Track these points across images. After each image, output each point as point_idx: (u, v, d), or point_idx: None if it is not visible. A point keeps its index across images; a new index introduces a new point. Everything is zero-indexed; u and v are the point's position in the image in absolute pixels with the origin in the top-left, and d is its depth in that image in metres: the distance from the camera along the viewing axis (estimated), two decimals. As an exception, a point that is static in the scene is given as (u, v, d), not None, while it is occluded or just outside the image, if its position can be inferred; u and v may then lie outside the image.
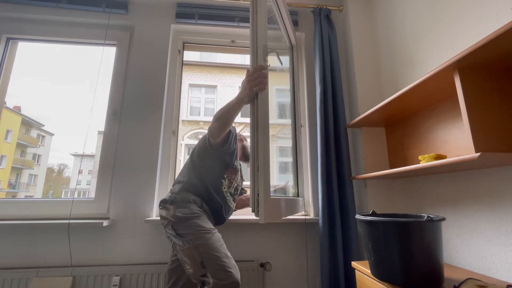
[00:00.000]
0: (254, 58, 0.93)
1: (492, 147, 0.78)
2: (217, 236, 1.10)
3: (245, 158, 1.47)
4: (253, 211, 0.83)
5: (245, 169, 1.57)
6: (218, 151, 1.23)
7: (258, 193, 0.83)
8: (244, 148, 1.46)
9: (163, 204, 1.20)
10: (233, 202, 1.36)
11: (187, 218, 1.11)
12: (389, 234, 0.86)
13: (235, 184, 1.36)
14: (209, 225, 1.13)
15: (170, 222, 1.13)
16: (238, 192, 1.42)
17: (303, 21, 1.91)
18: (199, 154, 1.27)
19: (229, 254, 1.06)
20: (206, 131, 1.28)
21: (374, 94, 1.62)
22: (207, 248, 1.03)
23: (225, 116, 1.09)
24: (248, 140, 1.52)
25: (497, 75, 0.85)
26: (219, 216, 1.28)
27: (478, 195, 0.98)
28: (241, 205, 1.54)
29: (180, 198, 1.19)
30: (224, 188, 1.29)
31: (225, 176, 1.29)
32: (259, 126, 0.87)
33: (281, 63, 1.63)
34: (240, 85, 1.07)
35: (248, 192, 1.59)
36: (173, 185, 1.29)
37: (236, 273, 1.00)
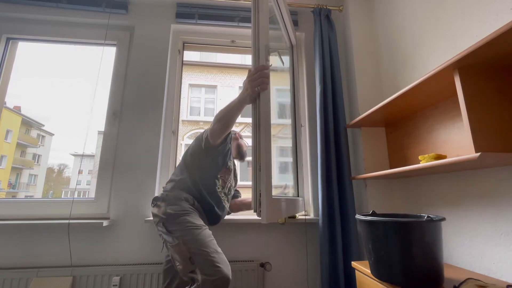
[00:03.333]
0: (255, 58, 0.92)
1: (492, 147, 0.78)
2: (206, 232, 1.09)
3: (240, 156, 1.47)
4: (255, 211, 0.83)
5: (242, 169, 1.56)
6: (214, 151, 1.23)
7: (260, 193, 0.83)
8: (239, 146, 1.45)
9: (155, 201, 1.20)
10: (227, 202, 1.35)
11: (178, 215, 1.11)
12: (389, 234, 0.86)
13: (229, 184, 1.35)
14: (199, 221, 1.13)
15: (161, 220, 1.13)
16: (232, 192, 1.42)
17: (303, 21, 1.91)
18: (193, 154, 1.27)
19: (219, 249, 1.06)
20: (202, 131, 1.28)
21: (374, 94, 1.62)
22: (196, 243, 1.02)
23: (227, 117, 1.09)
24: (244, 138, 1.52)
25: (497, 75, 0.85)
26: (212, 215, 1.27)
27: (478, 195, 0.98)
28: (236, 208, 1.53)
29: (172, 196, 1.19)
30: (218, 188, 1.28)
31: (219, 176, 1.29)
32: (261, 126, 0.87)
33: (283, 63, 1.62)
34: (240, 85, 1.07)
35: (242, 195, 1.59)
36: (166, 184, 1.29)
37: (226, 268, 0.99)
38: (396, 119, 1.40)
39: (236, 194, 1.54)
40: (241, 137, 1.51)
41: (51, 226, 1.46)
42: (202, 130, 1.33)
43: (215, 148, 1.22)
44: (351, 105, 1.71)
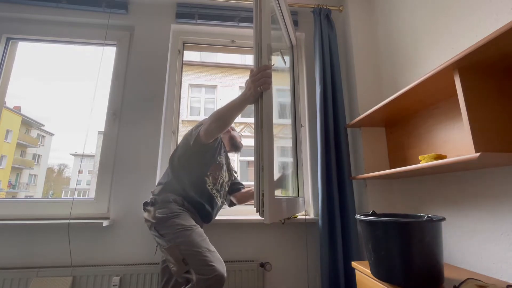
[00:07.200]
0: (258, 58, 0.92)
1: (492, 147, 0.78)
2: (198, 232, 1.10)
3: (235, 148, 1.45)
4: (257, 211, 0.83)
5: (242, 169, 1.55)
6: (202, 148, 1.22)
7: (262, 193, 0.83)
8: (232, 138, 1.44)
9: (145, 206, 1.21)
10: (219, 199, 1.34)
11: (167, 218, 1.12)
12: (389, 234, 0.86)
13: (221, 180, 1.33)
14: (189, 222, 1.13)
15: (152, 224, 1.14)
16: (226, 188, 1.40)
17: (303, 21, 1.91)
18: (179, 156, 1.26)
19: (212, 248, 1.06)
20: (189, 129, 1.26)
21: (374, 94, 1.62)
22: (188, 245, 1.03)
23: (226, 116, 1.08)
24: (236, 129, 1.50)
25: (497, 75, 0.85)
26: (204, 214, 1.27)
27: (478, 195, 0.98)
28: (244, 200, 1.51)
29: (160, 199, 1.19)
30: (209, 186, 1.27)
31: (208, 173, 1.27)
32: (264, 126, 0.87)
33: (285, 62, 1.62)
34: (241, 85, 1.07)
35: (248, 187, 1.58)
36: (155, 188, 1.29)
37: (220, 266, 1.00)
38: (396, 119, 1.40)
39: (239, 187, 1.52)
40: (233, 129, 1.49)
41: (51, 226, 1.46)
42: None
43: (203, 146, 1.21)
44: (351, 105, 1.71)
